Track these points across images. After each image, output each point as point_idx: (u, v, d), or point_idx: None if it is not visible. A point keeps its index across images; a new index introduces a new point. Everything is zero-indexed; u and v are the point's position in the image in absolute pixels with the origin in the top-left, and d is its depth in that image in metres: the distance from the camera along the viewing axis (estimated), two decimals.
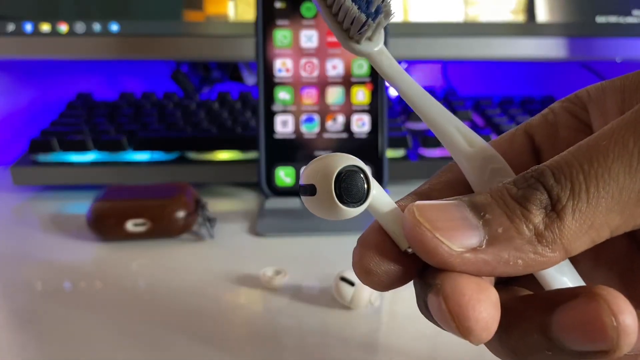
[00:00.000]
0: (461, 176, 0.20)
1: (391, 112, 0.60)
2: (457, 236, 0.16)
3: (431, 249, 0.16)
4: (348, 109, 0.48)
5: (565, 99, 0.22)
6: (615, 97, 0.20)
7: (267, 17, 0.47)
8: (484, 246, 0.16)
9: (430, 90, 0.66)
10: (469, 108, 0.63)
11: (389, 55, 0.20)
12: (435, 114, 0.20)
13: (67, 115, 0.61)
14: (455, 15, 0.61)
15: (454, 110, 0.61)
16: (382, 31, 0.20)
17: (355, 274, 0.18)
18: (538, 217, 0.16)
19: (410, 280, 0.18)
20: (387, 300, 0.36)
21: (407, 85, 0.20)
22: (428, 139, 0.54)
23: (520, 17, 0.62)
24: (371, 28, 0.19)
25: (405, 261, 0.18)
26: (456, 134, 0.20)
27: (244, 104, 0.62)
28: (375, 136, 0.48)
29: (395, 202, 0.19)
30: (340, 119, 0.48)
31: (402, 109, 0.63)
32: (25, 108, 0.71)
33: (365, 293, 0.34)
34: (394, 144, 0.53)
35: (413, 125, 0.59)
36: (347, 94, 0.48)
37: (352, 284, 0.34)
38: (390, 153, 0.52)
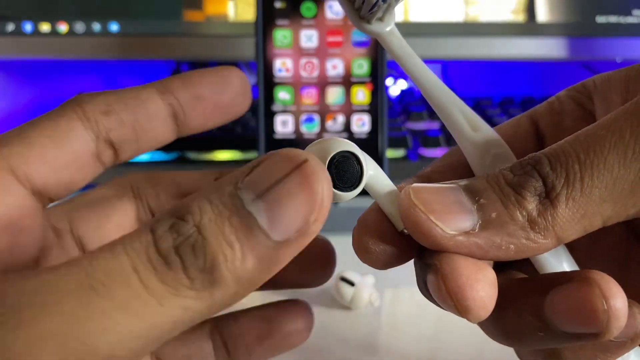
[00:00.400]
0: (464, 160, 0.20)
1: (391, 112, 0.60)
2: (450, 219, 0.16)
3: (425, 230, 0.16)
4: (348, 109, 0.48)
5: (572, 88, 0.22)
6: (620, 87, 0.20)
7: (267, 17, 0.47)
8: (477, 230, 0.16)
9: None
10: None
11: (400, 36, 0.20)
12: (441, 97, 0.20)
13: None
14: (455, 15, 0.61)
15: None
16: (394, 12, 0.20)
17: (355, 252, 0.18)
18: (532, 203, 0.16)
19: (409, 260, 0.18)
20: (387, 300, 0.36)
21: (415, 67, 0.20)
22: (428, 139, 0.54)
23: (520, 17, 0.62)
24: (382, 8, 0.19)
25: (402, 241, 0.18)
26: (460, 117, 0.20)
27: None
28: (375, 136, 0.48)
29: (398, 185, 0.19)
30: (340, 119, 0.48)
31: (402, 109, 0.63)
32: (25, 108, 0.71)
33: (365, 293, 0.34)
34: (394, 144, 0.53)
35: (413, 125, 0.59)
36: (347, 94, 0.48)
37: (352, 284, 0.34)
38: (390, 153, 0.52)
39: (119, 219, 0.22)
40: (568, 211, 0.16)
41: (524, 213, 0.16)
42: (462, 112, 0.20)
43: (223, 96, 0.20)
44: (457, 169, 0.21)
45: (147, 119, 0.20)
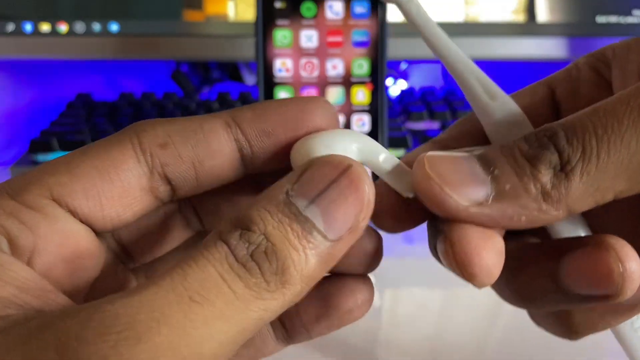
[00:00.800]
0: (480, 127, 0.21)
1: (391, 112, 0.60)
2: (464, 191, 0.17)
3: (439, 202, 0.17)
4: (348, 109, 0.48)
5: (591, 55, 0.22)
6: (638, 56, 0.20)
7: (267, 17, 0.47)
8: (490, 201, 0.17)
9: (430, 90, 0.66)
10: (470, 108, 0.63)
11: (418, 3, 0.21)
12: (459, 65, 0.21)
13: (67, 115, 0.61)
14: (455, 15, 0.61)
15: (454, 110, 0.61)
16: None
17: None
18: (546, 176, 0.16)
19: (419, 224, 0.19)
20: (387, 300, 0.36)
21: (433, 35, 0.21)
22: (428, 139, 0.54)
23: (520, 17, 0.62)
24: None
25: (409, 209, 0.18)
26: (476, 84, 0.20)
27: (244, 104, 0.62)
28: (375, 136, 0.48)
29: (415, 150, 0.20)
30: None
31: (402, 109, 0.63)
32: (25, 108, 0.71)
33: None
34: (394, 144, 0.53)
35: (413, 125, 0.59)
36: (347, 94, 0.48)
37: None
38: (390, 153, 0.52)
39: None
40: (582, 185, 0.16)
41: (538, 185, 0.16)
42: (479, 80, 0.20)
43: (299, 132, 0.18)
44: (473, 135, 0.21)
45: (209, 156, 0.18)
